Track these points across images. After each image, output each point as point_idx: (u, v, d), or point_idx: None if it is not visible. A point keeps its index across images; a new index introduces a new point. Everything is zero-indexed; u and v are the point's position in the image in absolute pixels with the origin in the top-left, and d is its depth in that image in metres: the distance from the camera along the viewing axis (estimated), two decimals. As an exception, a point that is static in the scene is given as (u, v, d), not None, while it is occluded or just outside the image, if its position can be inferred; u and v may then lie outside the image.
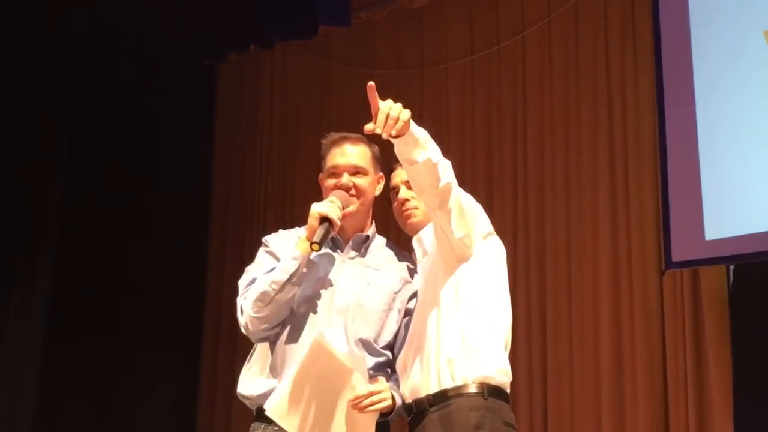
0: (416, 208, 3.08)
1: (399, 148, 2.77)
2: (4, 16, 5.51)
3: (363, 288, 3.00)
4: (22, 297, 5.53)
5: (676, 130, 4.82)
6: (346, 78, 6.24)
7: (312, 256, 2.91)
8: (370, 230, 3.14)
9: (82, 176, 5.83)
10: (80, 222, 5.77)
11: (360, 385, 2.81)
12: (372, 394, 2.81)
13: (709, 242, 4.67)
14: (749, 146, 4.61)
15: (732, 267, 4.83)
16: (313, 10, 5.91)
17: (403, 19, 6.17)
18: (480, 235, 2.97)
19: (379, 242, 3.16)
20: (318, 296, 2.95)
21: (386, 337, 3.02)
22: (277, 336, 2.96)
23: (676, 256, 4.75)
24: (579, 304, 5.17)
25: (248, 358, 3.07)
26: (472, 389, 2.81)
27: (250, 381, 3.01)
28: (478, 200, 3.04)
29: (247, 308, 2.93)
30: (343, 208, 2.95)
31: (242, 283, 3.02)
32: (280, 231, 3.15)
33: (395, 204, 3.16)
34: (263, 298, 2.88)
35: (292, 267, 2.87)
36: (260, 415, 2.95)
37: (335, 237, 3.01)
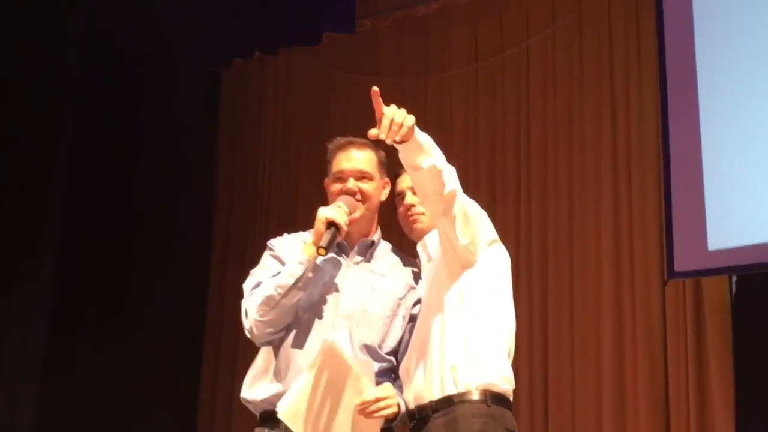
0: (422, 214, 3.08)
1: (403, 154, 2.77)
2: (4, 21, 5.52)
3: (368, 293, 3.00)
4: (24, 302, 5.53)
5: (680, 139, 4.82)
6: (350, 85, 6.24)
7: (318, 261, 2.91)
8: (376, 235, 3.15)
9: (84, 180, 5.84)
10: (82, 227, 5.77)
11: (367, 390, 2.81)
12: (379, 399, 2.80)
13: (711, 252, 4.66)
14: (753, 155, 4.60)
15: (735, 277, 4.82)
16: (318, 17, 5.92)
17: (408, 26, 6.18)
18: (484, 242, 2.97)
19: (384, 248, 3.16)
20: (323, 301, 2.96)
21: (390, 343, 3.02)
22: (282, 340, 2.96)
23: (679, 266, 4.74)
24: (581, 312, 5.16)
25: (253, 363, 3.07)
26: (475, 396, 2.81)
27: (254, 385, 3.01)
28: (481, 207, 3.04)
29: (252, 312, 2.93)
30: (350, 213, 2.95)
31: (247, 286, 3.02)
32: (285, 235, 3.15)
33: (401, 209, 3.16)
34: (268, 302, 2.88)
35: (298, 271, 2.87)
36: (264, 419, 2.95)
37: (341, 242, 3.01)
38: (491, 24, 5.87)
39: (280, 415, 2.79)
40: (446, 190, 2.80)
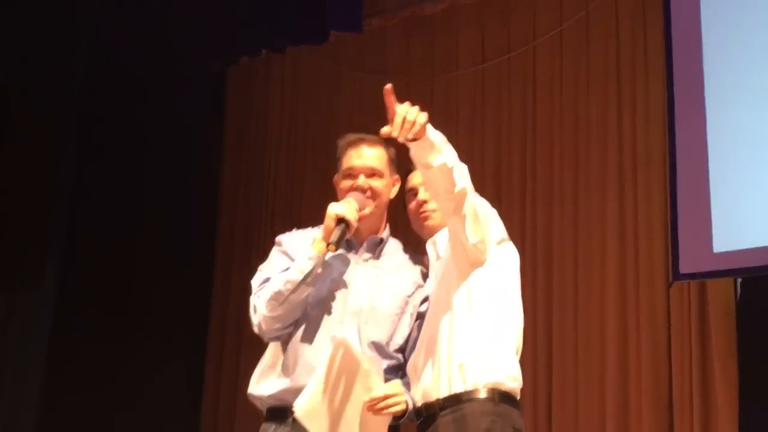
0: (434, 211, 3.07)
1: (415, 151, 2.77)
2: (7, 21, 5.53)
3: (376, 290, 3.00)
4: (28, 299, 5.54)
5: (686, 141, 4.81)
6: (357, 84, 6.25)
7: (327, 257, 2.91)
8: (385, 233, 3.15)
9: (89, 179, 5.84)
10: (86, 225, 5.77)
11: (376, 387, 2.81)
12: (387, 397, 2.81)
13: (717, 255, 4.65)
14: (760, 158, 4.58)
15: (740, 280, 4.81)
16: (325, 15, 5.92)
17: (415, 26, 6.18)
18: (494, 241, 2.97)
19: (393, 245, 3.16)
20: (332, 297, 2.96)
21: (398, 341, 3.02)
22: (290, 336, 2.96)
23: (684, 268, 4.72)
24: (585, 313, 5.16)
25: (261, 359, 3.07)
26: (483, 394, 2.81)
27: (262, 381, 3.02)
28: (486, 207, 3.05)
29: (260, 307, 2.93)
30: (360, 210, 2.95)
31: (255, 282, 3.03)
32: (294, 231, 3.15)
33: (412, 205, 3.15)
34: (277, 298, 2.88)
35: (307, 267, 2.87)
36: (270, 416, 2.96)
37: (350, 239, 3.01)
38: (498, 24, 5.87)
39: (297, 414, 2.77)
40: (457, 189, 2.80)
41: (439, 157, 2.76)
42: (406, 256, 3.15)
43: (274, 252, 3.09)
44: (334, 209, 2.90)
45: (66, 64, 5.77)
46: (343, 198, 3.01)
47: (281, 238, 3.12)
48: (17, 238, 5.58)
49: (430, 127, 2.75)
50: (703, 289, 4.82)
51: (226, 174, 6.66)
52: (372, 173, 3.05)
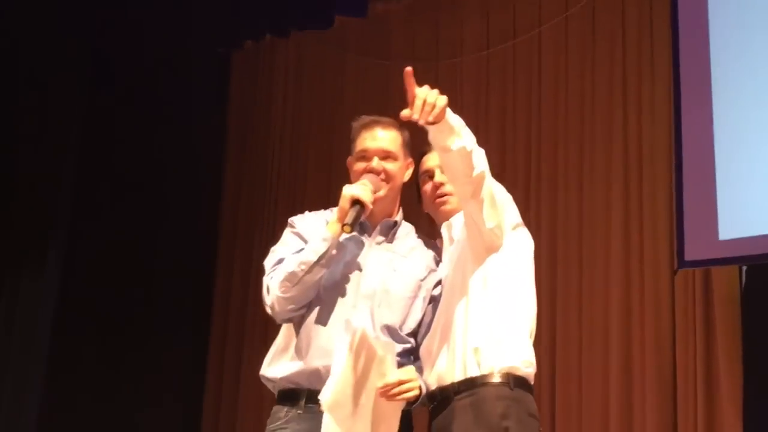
0: (451, 194, 3.06)
1: (434, 135, 2.75)
2: (11, 9, 5.51)
3: (389, 274, 2.99)
4: (31, 285, 5.54)
5: (692, 129, 4.78)
6: (361, 69, 6.22)
7: (341, 239, 2.90)
8: (398, 216, 3.13)
9: (92, 163, 5.84)
10: (90, 210, 5.77)
11: (390, 372, 2.79)
12: (402, 382, 2.78)
13: (722, 242, 4.64)
14: (765, 146, 4.57)
15: (745, 267, 4.80)
16: (330, 0, 5.90)
17: (419, 11, 6.14)
18: (510, 226, 2.98)
19: (406, 229, 3.15)
20: (345, 280, 2.94)
21: (411, 325, 3.01)
22: (303, 318, 2.95)
23: (689, 256, 4.71)
24: (589, 302, 5.15)
25: (274, 342, 3.06)
26: (498, 379, 2.81)
27: (274, 363, 3.00)
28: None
29: (274, 288, 2.91)
30: (374, 192, 2.94)
31: (268, 263, 3.00)
32: (306, 213, 3.13)
33: (427, 187, 3.13)
34: (291, 279, 2.86)
35: (321, 248, 2.85)
36: (282, 398, 2.95)
37: (363, 222, 2.99)
38: (503, 10, 5.84)
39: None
40: (475, 173, 2.79)
41: (458, 140, 2.75)
42: (419, 240, 3.14)
43: (287, 233, 3.07)
44: (349, 190, 2.89)
45: (69, 45, 5.75)
46: (356, 180, 2.99)
47: (294, 219, 3.10)
48: (20, 227, 5.56)
49: (449, 111, 2.73)
50: (708, 277, 4.81)
51: (230, 158, 6.63)
52: (386, 155, 3.03)
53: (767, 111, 4.60)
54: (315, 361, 2.87)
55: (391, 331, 2.95)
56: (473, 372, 2.81)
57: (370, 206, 2.89)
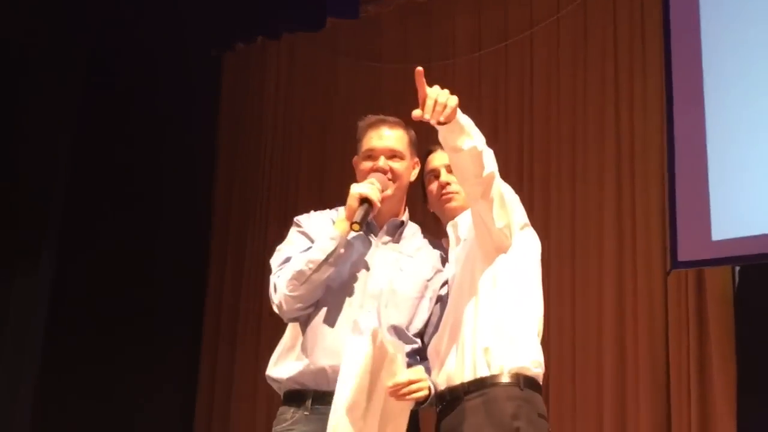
0: (457, 193, 3.05)
1: (444, 135, 2.75)
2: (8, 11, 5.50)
3: (396, 274, 2.98)
4: (25, 284, 5.52)
5: (684, 129, 4.79)
6: (352, 71, 6.22)
7: (348, 237, 2.89)
8: (404, 216, 3.13)
9: (85, 163, 5.82)
10: (83, 209, 5.76)
11: (400, 372, 2.78)
12: (412, 382, 2.77)
13: (715, 243, 4.65)
14: (758, 146, 4.58)
15: (738, 268, 4.82)
16: (322, 2, 5.90)
17: (411, 13, 6.15)
18: (518, 226, 2.96)
19: (412, 229, 3.14)
20: (353, 279, 2.94)
21: (417, 325, 3.00)
22: (309, 317, 2.93)
23: (682, 256, 4.73)
24: (583, 302, 5.16)
25: (280, 341, 3.04)
26: (508, 379, 2.80)
27: (280, 363, 2.99)
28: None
29: (281, 287, 2.89)
30: (382, 191, 2.93)
31: (275, 261, 2.99)
32: (312, 212, 3.12)
33: (433, 186, 3.12)
34: (299, 277, 2.85)
35: (330, 246, 2.84)
36: (289, 399, 2.93)
37: (370, 221, 2.98)
38: (495, 11, 5.86)
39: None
40: (485, 172, 2.78)
41: (468, 140, 2.75)
42: (426, 240, 3.13)
43: (293, 232, 3.06)
44: (357, 189, 2.88)
45: (62, 46, 5.74)
46: (363, 179, 2.98)
47: (300, 218, 3.09)
48: (13, 222, 5.55)
49: (459, 111, 2.73)
50: (701, 277, 4.83)
51: (221, 159, 6.63)
52: (393, 155, 3.03)
53: (759, 111, 4.62)
54: (321, 361, 2.86)
55: (398, 332, 2.94)
56: (483, 372, 2.81)
57: (379, 205, 2.88)
